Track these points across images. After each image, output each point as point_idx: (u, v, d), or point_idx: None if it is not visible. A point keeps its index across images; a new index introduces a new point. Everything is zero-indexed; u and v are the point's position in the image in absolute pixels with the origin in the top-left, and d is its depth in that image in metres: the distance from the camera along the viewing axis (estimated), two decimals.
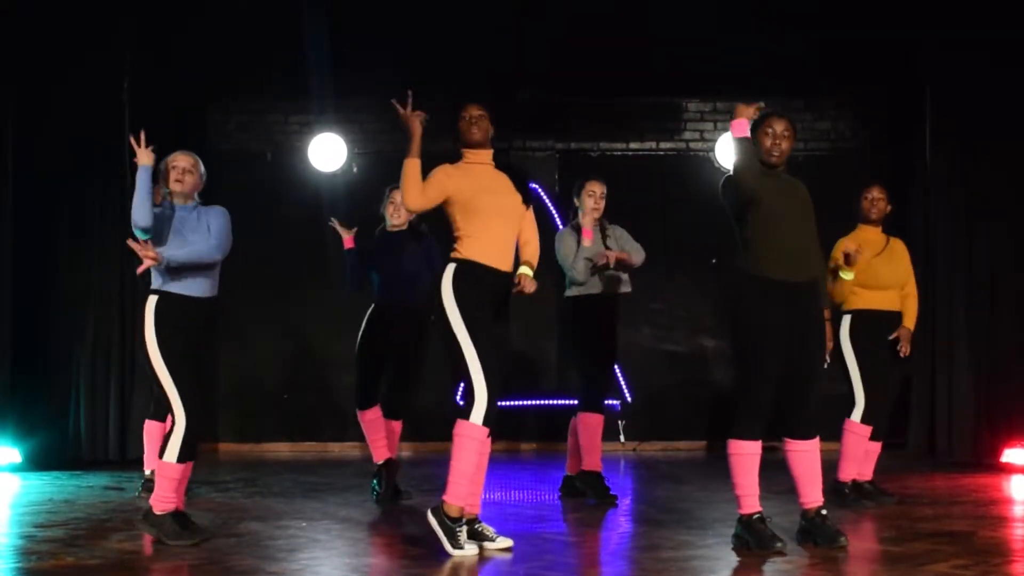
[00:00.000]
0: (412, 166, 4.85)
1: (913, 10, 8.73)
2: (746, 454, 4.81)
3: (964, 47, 8.56)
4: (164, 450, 4.98)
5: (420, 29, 9.11)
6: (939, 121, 8.82)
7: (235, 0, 8.82)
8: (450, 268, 4.82)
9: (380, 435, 6.48)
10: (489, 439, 4.81)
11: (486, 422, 4.68)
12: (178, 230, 5.10)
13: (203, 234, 5.11)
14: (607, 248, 6.45)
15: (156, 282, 5.07)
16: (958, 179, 8.71)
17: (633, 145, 10.06)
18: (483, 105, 5.02)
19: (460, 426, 4.70)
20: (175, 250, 5.02)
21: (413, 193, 4.83)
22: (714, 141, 9.85)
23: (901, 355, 6.31)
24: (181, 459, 4.96)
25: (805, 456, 4.91)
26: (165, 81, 8.97)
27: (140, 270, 5.04)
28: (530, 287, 4.85)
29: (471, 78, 9.29)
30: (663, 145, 10.05)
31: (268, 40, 9.08)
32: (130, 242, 5.00)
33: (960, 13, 8.48)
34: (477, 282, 4.77)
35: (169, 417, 5.05)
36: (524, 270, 4.90)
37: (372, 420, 6.48)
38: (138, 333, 5.10)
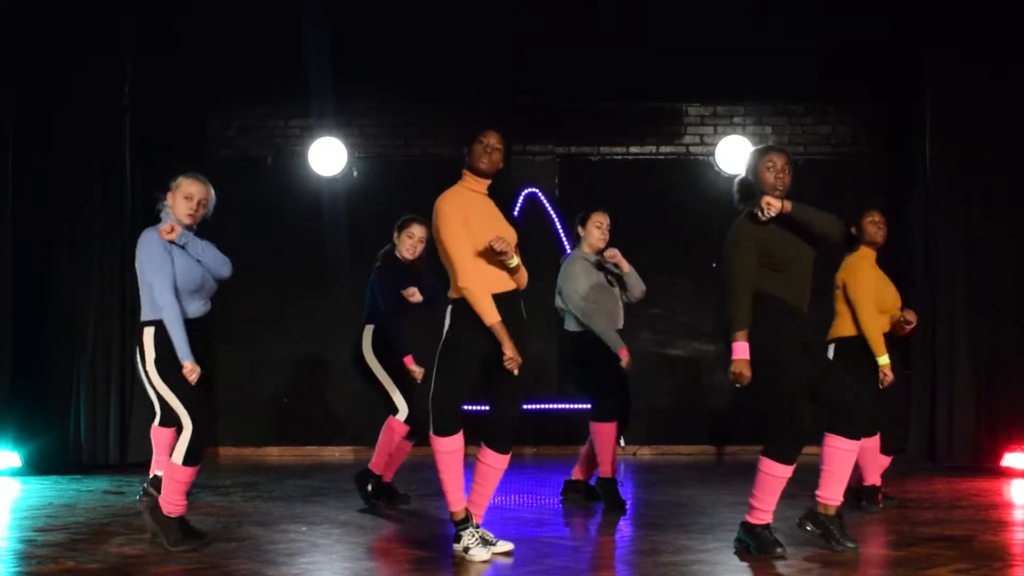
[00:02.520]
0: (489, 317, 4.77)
1: (915, 18, 8.74)
2: (777, 476, 4.78)
3: (965, 54, 8.57)
4: (172, 451, 5.04)
5: (420, 33, 9.12)
6: (939, 125, 8.82)
7: (235, 5, 8.83)
8: (450, 309, 4.85)
9: (400, 460, 6.53)
10: (453, 444, 4.81)
11: (436, 431, 4.76)
12: (189, 257, 5.10)
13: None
14: (609, 282, 6.44)
15: (150, 314, 5.03)
16: (958, 183, 8.72)
17: (633, 149, 10.07)
18: (503, 137, 4.95)
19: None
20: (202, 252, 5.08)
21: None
22: (714, 145, 9.85)
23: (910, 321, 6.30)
24: (187, 463, 4.99)
25: (844, 454, 4.85)
26: (165, 85, 8.98)
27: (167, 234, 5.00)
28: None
29: (471, 82, 9.31)
30: (663, 149, 10.05)
31: (268, 45, 9.09)
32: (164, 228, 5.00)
33: (961, 21, 8.49)
34: (476, 318, 4.78)
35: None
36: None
37: (406, 442, 6.49)
38: (138, 362, 5.12)
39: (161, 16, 8.78)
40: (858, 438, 4.86)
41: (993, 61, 8.46)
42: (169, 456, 5.07)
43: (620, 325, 6.49)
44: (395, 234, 6.57)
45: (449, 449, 4.77)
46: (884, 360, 6.06)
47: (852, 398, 4.84)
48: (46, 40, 8.37)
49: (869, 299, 6.08)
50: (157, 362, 5.00)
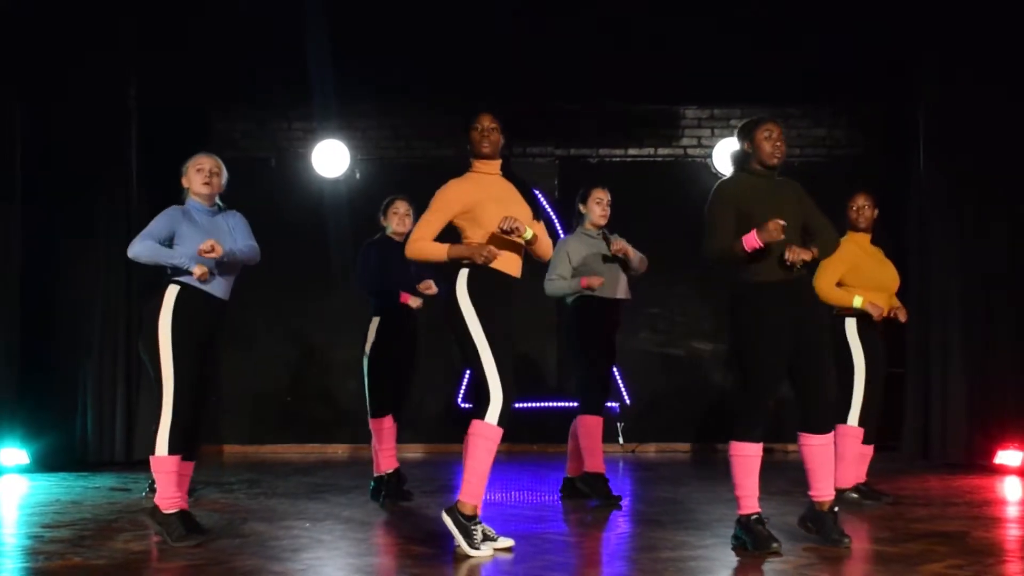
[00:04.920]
0: (439, 252, 4.92)
1: (910, 21, 8.79)
2: (748, 456, 4.86)
3: (960, 57, 8.61)
4: (154, 446, 4.96)
5: (422, 36, 9.17)
6: (934, 127, 8.87)
7: (238, 7, 8.88)
8: (463, 273, 4.90)
9: (392, 443, 6.57)
10: (500, 435, 4.87)
11: (500, 422, 4.75)
12: (208, 231, 5.11)
13: (228, 236, 5.16)
14: (613, 257, 6.52)
15: (176, 272, 5.06)
16: (952, 185, 8.76)
17: (632, 151, 10.13)
18: (495, 116, 5.05)
19: (475, 426, 4.77)
20: (232, 245, 5.09)
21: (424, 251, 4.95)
22: (711, 147, 9.92)
23: (902, 320, 6.46)
24: (172, 451, 4.95)
25: (819, 450, 4.92)
26: (170, 88, 9.03)
27: (199, 274, 5.00)
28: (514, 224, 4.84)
29: (472, 84, 9.37)
30: (661, 151, 10.12)
31: (271, 47, 9.13)
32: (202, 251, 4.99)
33: (956, 23, 8.54)
34: (490, 286, 4.86)
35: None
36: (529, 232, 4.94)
37: (388, 428, 6.54)
38: (148, 320, 5.01)
39: (162, 17, 8.81)
40: (826, 431, 4.93)
41: (988, 64, 8.50)
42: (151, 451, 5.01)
43: (622, 295, 6.55)
44: (382, 218, 6.68)
45: (498, 438, 4.75)
46: (858, 301, 6.21)
47: (815, 392, 4.90)
48: (48, 41, 8.42)
49: (832, 272, 6.24)
50: (174, 322, 4.95)
